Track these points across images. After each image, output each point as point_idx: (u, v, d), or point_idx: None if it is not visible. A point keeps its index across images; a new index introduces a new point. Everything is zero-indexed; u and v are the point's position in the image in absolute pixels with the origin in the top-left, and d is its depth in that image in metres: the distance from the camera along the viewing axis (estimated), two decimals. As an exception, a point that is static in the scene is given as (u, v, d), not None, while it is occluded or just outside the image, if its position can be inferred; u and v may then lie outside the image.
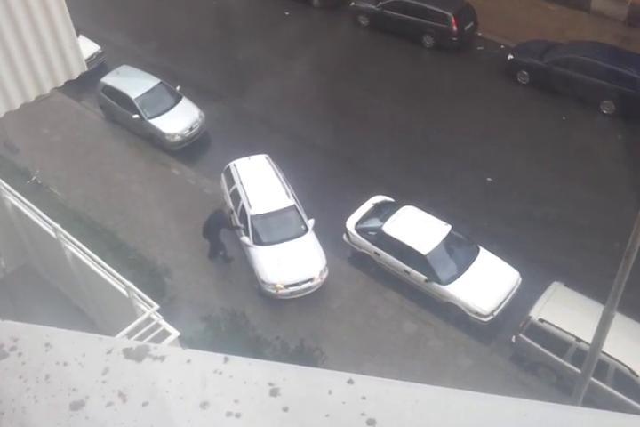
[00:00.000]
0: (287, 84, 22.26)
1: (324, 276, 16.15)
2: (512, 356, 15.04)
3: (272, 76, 22.35)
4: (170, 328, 9.05)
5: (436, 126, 20.41)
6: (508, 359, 15.04)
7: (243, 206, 16.65)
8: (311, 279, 15.92)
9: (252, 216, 16.35)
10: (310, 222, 16.54)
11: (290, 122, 20.98)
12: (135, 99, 20.14)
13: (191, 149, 20.30)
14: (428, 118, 20.66)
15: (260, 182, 17.19)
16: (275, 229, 16.55)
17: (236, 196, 17.16)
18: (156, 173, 19.67)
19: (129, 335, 8.50)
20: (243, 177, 17.25)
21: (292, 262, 15.98)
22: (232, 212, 16.96)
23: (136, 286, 9.60)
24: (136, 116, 20.09)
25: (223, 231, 16.72)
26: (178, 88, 20.89)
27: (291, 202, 16.66)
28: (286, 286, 15.81)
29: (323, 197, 18.44)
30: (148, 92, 20.31)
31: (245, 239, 16.34)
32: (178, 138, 20.00)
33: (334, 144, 20.26)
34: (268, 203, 16.65)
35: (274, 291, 15.86)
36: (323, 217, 17.34)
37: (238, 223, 16.77)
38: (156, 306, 9.18)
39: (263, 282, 15.85)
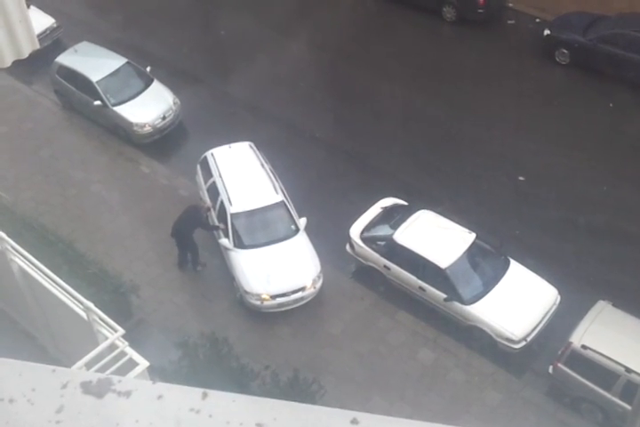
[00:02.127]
0: (280, 65, 22.25)
1: (318, 285, 16.20)
2: (549, 390, 14.97)
3: (262, 55, 22.34)
4: (137, 357, 9.03)
5: (458, 116, 20.35)
6: (544, 394, 14.97)
7: (222, 203, 16.69)
8: (302, 289, 15.98)
9: (232, 214, 16.39)
10: (302, 222, 16.60)
11: (283, 110, 20.94)
12: (97, 82, 20.07)
13: (164, 142, 20.26)
14: (450, 106, 20.58)
15: (242, 174, 17.22)
16: (260, 229, 16.63)
17: (213, 190, 17.15)
18: (122, 171, 19.62)
19: (88, 366, 8.48)
20: (222, 168, 17.28)
21: (281, 269, 16.07)
22: (209, 209, 17.02)
23: (97, 306, 9.58)
24: (98, 102, 20.03)
25: (197, 232, 16.71)
26: (148, 69, 20.84)
27: (279, 198, 16.69)
28: (273, 297, 15.88)
29: (322, 200, 18.45)
30: (112, 73, 20.27)
31: (225, 242, 16.33)
32: (148, 129, 19.94)
33: (337, 136, 20.24)
34: (251, 199, 16.67)
35: (258, 302, 15.93)
36: (321, 223, 17.36)
37: (217, 223, 16.87)
38: (121, 331, 9.16)
39: (246, 292, 15.91)
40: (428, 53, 22.22)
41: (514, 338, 15.02)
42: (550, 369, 14.65)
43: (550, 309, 15.54)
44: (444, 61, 22.00)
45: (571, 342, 14.13)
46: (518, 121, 20.02)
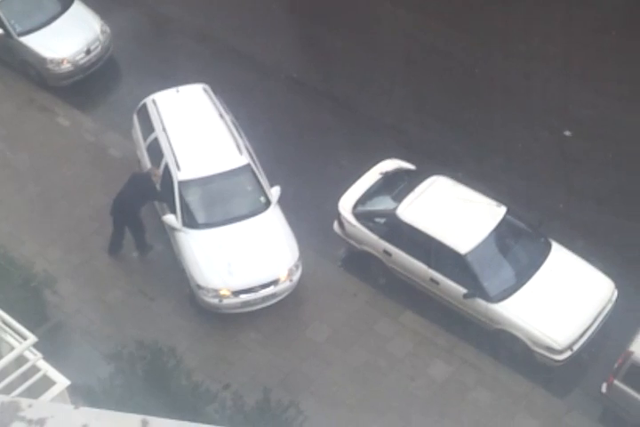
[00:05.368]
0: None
1: (296, 277, 16.34)
2: (602, 415, 15.15)
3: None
4: (54, 374, 9.10)
5: (484, 49, 20.34)
6: (595, 420, 15.14)
7: (167, 167, 16.75)
8: (275, 282, 16.14)
9: (180, 182, 16.48)
10: (274, 192, 16.70)
11: (249, 41, 20.92)
12: (-4, 3, 20.00)
13: (88, 84, 20.30)
14: (472, 36, 20.55)
15: (194, 128, 17.35)
16: (218, 202, 16.84)
17: (155, 150, 17.15)
18: (32, 124, 19.53)
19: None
20: (167, 120, 17.33)
21: (246, 255, 16.17)
22: (159, 174, 16.74)
23: None
24: (-1, 31, 20.03)
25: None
26: (67, -16, 20.75)
27: (243, 160, 16.78)
28: (235, 293, 16.01)
29: (300, 162, 18.59)
30: (17, -9, 20.18)
31: (170, 219, 16.40)
32: (67, 66, 20.02)
33: (321, 77, 20.32)
34: (206, 161, 16.81)
35: (216, 300, 16.05)
36: (300, 194, 17.51)
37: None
38: (33, 338, 9.20)
39: (199, 286, 16.01)
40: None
41: (556, 346, 15.12)
42: (604, 387, 14.67)
43: (605, 307, 15.61)
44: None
45: (631, 352, 14.11)
46: (567, 54, 20.09)
